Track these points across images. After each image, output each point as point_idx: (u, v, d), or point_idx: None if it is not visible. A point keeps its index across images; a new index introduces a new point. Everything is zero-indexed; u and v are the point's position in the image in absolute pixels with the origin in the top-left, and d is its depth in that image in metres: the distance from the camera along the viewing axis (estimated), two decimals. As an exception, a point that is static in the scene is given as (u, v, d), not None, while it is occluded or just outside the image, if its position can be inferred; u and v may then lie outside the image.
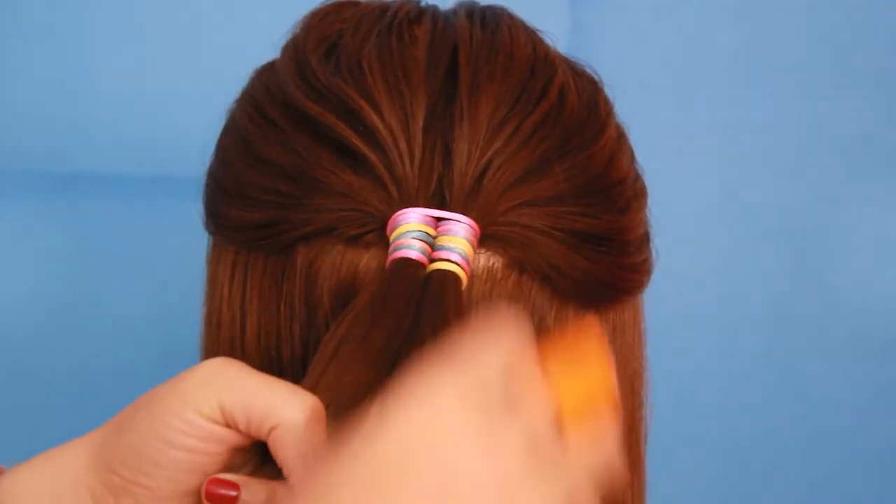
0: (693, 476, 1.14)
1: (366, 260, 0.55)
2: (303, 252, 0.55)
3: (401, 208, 0.53)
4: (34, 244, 1.06)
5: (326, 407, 0.50)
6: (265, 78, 0.60)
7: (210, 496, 0.50)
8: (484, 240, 0.54)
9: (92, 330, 1.06)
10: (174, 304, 1.04)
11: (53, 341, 1.06)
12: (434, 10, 0.60)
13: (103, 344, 1.06)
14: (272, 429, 0.49)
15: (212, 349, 0.60)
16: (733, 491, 1.14)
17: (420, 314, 0.52)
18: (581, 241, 0.55)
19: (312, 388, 0.51)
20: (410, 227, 0.53)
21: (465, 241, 0.53)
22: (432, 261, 0.53)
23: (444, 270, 0.53)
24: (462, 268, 0.53)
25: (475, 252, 0.54)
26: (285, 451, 0.49)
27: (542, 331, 0.56)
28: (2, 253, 1.06)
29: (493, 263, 0.55)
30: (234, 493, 0.50)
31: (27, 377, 1.06)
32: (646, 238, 0.60)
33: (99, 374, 1.06)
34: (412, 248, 0.53)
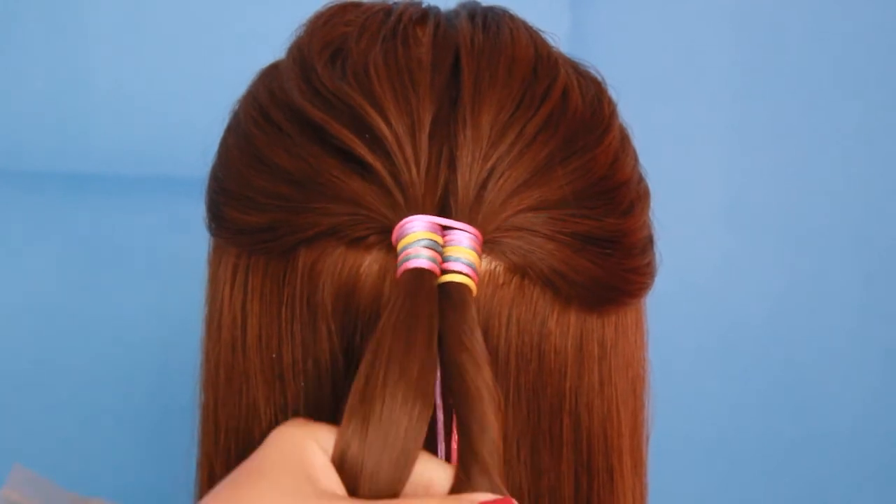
0: (694, 477, 1.14)
1: (367, 263, 0.54)
2: (304, 254, 0.55)
3: (407, 215, 0.53)
4: (34, 244, 1.06)
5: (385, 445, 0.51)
6: (269, 81, 0.60)
7: None
8: (487, 245, 0.54)
9: (92, 330, 1.06)
10: (174, 305, 1.04)
11: (52, 341, 1.06)
12: (436, 12, 0.60)
13: (103, 344, 1.06)
14: None
15: (212, 350, 0.60)
16: (734, 492, 1.14)
17: (445, 332, 0.52)
18: (584, 244, 0.55)
19: (365, 418, 0.50)
20: (419, 235, 0.53)
21: (472, 252, 0.53)
22: (443, 271, 0.53)
23: (460, 284, 0.53)
24: (472, 279, 0.53)
25: (480, 260, 0.54)
26: None
27: (544, 334, 0.56)
28: (1, 253, 1.06)
29: (495, 267, 0.55)
30: None
31: (26, 377, 1.06)
32: (649, 240, 0.60)
33: (98, 374, 1.06)
34: (424, 258, 0.52)
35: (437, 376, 0.51)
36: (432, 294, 0.52)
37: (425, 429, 0.50)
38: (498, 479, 0.50)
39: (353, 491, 0.50)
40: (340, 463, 0.50)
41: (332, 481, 0.50)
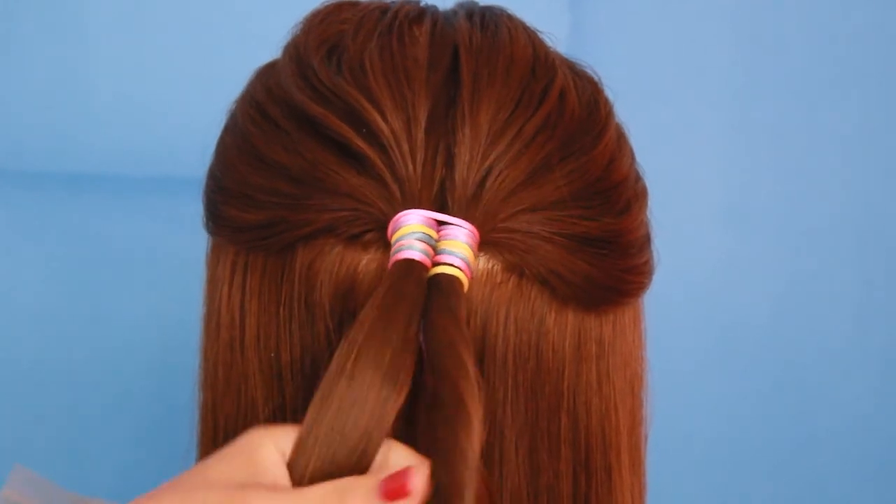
0: (693, 477, 1.14)
1: (365, 261, 0.55)
2: (302, 253, 0.55)
3: (403, 209, 0.53)
4: (33, 244, 1.06)
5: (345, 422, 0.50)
6: (266, 79, 0.60)
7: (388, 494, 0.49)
8: (483, 245, 0.54)
9: (91, 330, 1.06)
10: (174, 305, 1.04)
11: (52, 341, 1.06)
12: (434, 11, 0.60)
13: (102, 344, 1.06)
14: None
15: (211, 350, 0.60)
16: (733, 492, 1.14)
17: (428, 319, 0.52)
18: (581, 245, 0.55)
19: (326, 405, 0.50)
20: (413, 228, 0.53)
21: (466, 247, 0.53)
22: (435, 264, 0.53)
23: (450, 275, 0.53)
24: (465, 273, 0.53)
25: (476, 257, 0.54)
26: None
27: (542, 333, 0.56)
28: (1, 252, 1.06)
29: (493, 266, 0.55)
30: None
31: (26, 377, 1.06)
32: (646, 239, 0.60)
33: (98, 374, 1.06)
34: (415, 250, 0.52)
35: (412, 362, 0.51)
36: (421, 284, 0.52)
37: (394, 413, 0.50)
38: (474, 470, 0.50)
39: (304, 467, 0.50)
40: (298, 441, 0.50)
41: (278, 476, 0.50)
